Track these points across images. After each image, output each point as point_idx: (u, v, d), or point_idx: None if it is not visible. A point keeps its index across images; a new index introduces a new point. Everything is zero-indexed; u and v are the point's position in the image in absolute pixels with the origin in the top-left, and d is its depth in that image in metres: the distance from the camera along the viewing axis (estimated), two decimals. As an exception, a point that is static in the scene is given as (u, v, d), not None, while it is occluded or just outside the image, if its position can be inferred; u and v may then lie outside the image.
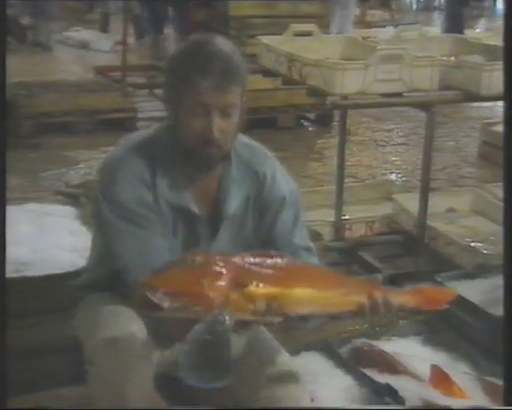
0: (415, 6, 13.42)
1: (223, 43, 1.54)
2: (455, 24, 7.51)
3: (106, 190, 1.57)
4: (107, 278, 1.65)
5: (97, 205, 1.60)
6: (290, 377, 1.60)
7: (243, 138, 1.69)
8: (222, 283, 1.32)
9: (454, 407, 1.93)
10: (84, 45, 8.43)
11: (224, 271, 1.34)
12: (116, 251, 1.57)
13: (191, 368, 1.30)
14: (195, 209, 1.60)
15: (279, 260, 1.41)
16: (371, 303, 1.44)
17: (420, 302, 1.49)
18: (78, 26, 9.13)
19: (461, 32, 3.49)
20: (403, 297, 1.48)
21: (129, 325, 1.52)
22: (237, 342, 1.51)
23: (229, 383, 1.32)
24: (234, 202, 1.62)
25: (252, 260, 1.39)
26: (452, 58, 2.86)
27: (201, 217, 1.61)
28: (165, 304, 1.30)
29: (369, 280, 1.50)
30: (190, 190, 1.60)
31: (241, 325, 1.39)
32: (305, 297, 1.38)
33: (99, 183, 1.61)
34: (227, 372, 1.31)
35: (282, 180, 1.68)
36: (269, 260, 1.40)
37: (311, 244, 1.72)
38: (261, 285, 1.34)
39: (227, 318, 1.31)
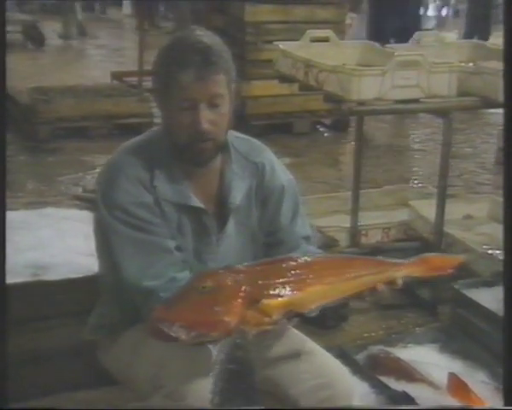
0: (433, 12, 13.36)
1: (203, 35, 1.55)
2: (479, 29, 7.46)
3: (105, 195, 1.57)
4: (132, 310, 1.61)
5: (98, 213, 1.59)
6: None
7: (236, 133, 1.70)
8: (235, 304, 1.31)
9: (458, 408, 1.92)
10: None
11: (235, 291, 1.32)
12: (118, 260, 1.55)
13: (222, 404, 1.31)
14: (200, 204, 1.60)
15: (285, 265, 1.40)
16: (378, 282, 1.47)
17: (426, 271, 1.52)
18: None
19: (486, 38, 3.43)
20: (409, 268, 1.51)
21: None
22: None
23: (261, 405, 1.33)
24: (238, 194, 1.63)
25: (259, 270, 1.39)
26: (470, 64, 2.84)
27: (207, 211, 1.61)
28: (183, 336, 1.30)
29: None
30: (191, 187, 1.60)
31: (260, 335, 1.39)
32: (317, 294, 1.39)
33: (98, 190, 1.61)
34: (256, 396, 1.33)
35: (280, 171, 1.71)
36: (276, 267, 1.40)
37: (310, 232, 1.74)
38: (274, 296, 1.34)
39: (245, 340, 1.31)
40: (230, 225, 1.64)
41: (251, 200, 1.66)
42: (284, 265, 1.40)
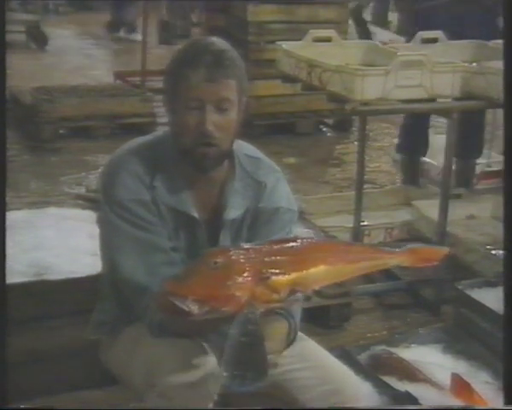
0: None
1: (217, 40, 1.57)
2: None
3: (106, 190, 1.59)
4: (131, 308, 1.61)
5: (100, 208, 1.61)
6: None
7: (248, 150, 1.69)
8: (246, 280, 1.35)
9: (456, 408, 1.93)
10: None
11: (246, 267, 1.36)
12: (114, 254, 1.57)
13: (233, 375, 1.33)
14: (195, 213, 1.59)
15: (291, 244, 1.44)
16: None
17: (415, 261, 1.56)
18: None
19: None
20: (400, 258, 1.55)
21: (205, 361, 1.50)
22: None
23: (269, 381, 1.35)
24: (234, 210, 1.62)
25: (267, 248, 1.42)
26: (474, 64, 2.83)
27: (200, 221, 1.60)
28: (196, 311, 1.32)
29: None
30: (190, 195, 1.60)
31: (267, 313, 1.43)
32: (320, 274, 1.43)
33: (100, 185, 1.63)
34: (266, 370, 1.35)
35: (281, 195, 1.67)
36: (282, 247, 1.43)
37: None
38: (281, 274, 1.38)
39: (256, 314, 1.34)
40: (224, 240, 1.62)
41: (244, 220, 1.64)
42: (290, 244, 1.44)
